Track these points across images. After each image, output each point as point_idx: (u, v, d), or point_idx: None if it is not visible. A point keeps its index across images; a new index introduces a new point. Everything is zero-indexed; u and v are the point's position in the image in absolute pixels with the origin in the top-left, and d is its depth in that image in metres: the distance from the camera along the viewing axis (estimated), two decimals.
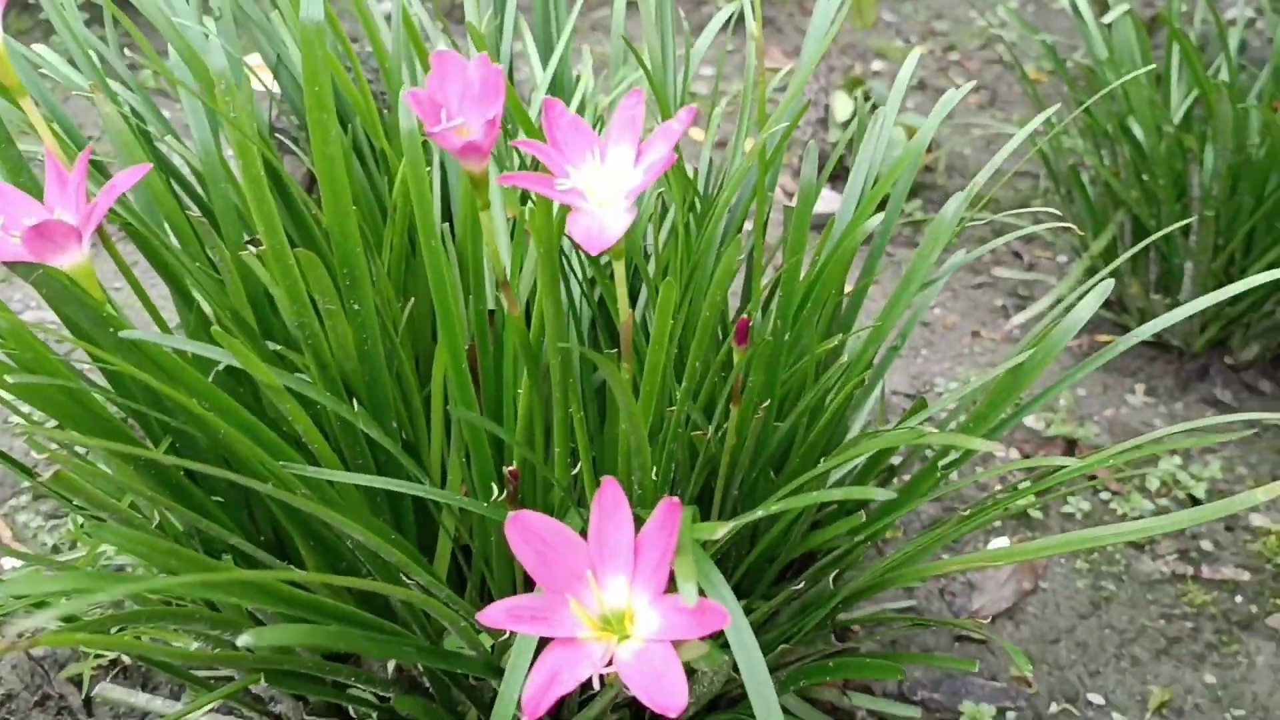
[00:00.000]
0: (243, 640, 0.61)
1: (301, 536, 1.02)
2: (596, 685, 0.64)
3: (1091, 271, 2.30)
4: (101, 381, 1.06)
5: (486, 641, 0.95)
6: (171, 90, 1.04)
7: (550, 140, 0.75)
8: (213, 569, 0.68)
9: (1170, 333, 2.21)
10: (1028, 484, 1.10)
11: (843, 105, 2.71)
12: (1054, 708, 1.48)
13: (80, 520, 1.57)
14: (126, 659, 1.37)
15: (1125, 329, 2.40)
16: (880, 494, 0.71)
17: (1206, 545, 1.75)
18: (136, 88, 1.14)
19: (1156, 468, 1.91)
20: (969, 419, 1.14)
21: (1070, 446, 1.94)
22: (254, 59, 1.38)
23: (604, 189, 0.74)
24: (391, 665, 1.04)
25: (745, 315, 0.91)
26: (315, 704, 1.15)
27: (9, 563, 1.54)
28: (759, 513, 0.80)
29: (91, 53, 1.12)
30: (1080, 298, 1.12)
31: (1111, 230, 2.17)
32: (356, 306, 0.94)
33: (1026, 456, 1.93)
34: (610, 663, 0.65)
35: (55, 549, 1.56)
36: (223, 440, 0.90)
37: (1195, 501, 1.84)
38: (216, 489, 1.04)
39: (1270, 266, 2.01)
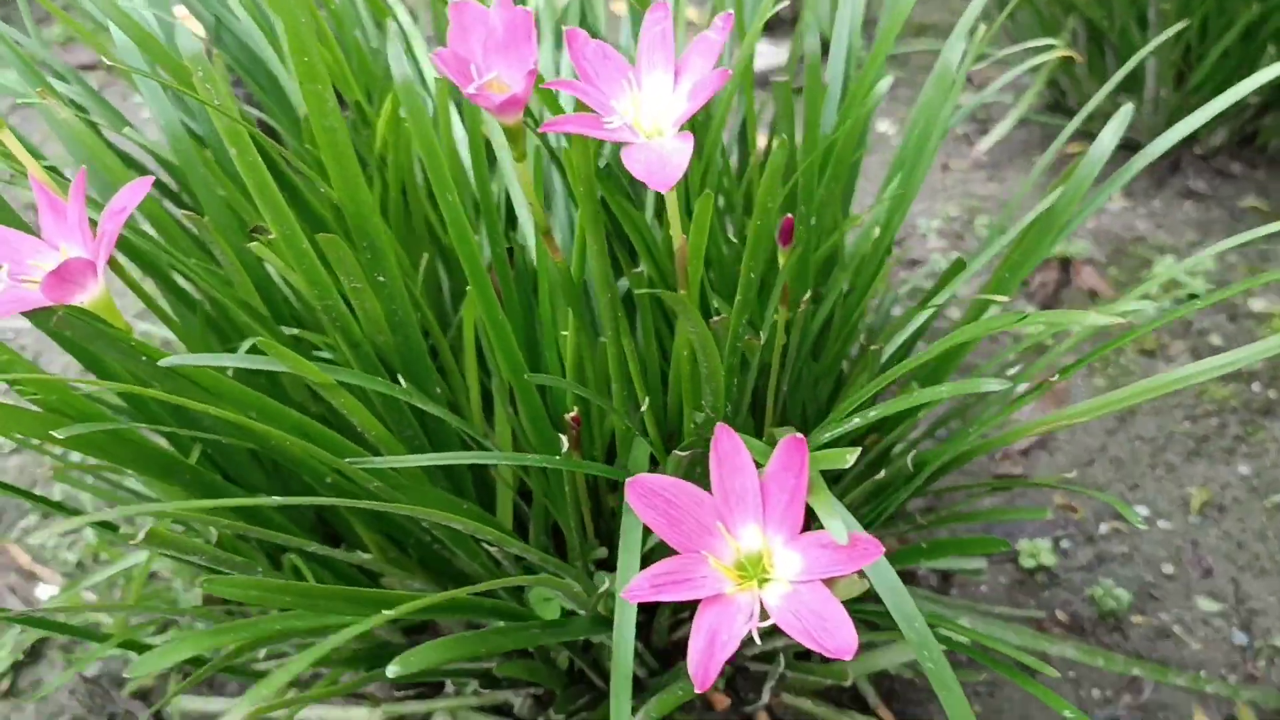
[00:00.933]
0: (392, 670, 0.58)
1: (360, 521, 0.99)
2: (758, 641, 0.62)
3: (1052, 83, 2.26)
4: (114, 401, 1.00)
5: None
6: (125, 81, 0.95)
7: (581, 75, 0.69)
8: (321, 595, 0.65)
9: (1135, 130, 2.20)
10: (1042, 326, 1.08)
11: None
12: (1103, 528, 1.50)
13: (95, 537, 1.52)
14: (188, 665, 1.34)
15: (1091, 136, 2.39)
16: (992, 384, 0.68)
17: (1215, 339, 1.76)
18: (75, 80, 1.05)
19: (1151, 272, 1.91)
20: (1004, 266, 1.12)
21: (1064, 265, 1.93)
22: (179, 9, 1.27)
23: (649, 120, 0.69)
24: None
25: (789, 215, 0.87)
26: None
27: (45, 590, 1.49)
28: (856, 420, 0.77)
29: (15, 49, 1.03)
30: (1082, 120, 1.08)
31: (1064, 38, 2.13)
32: (381, 278, 0.88)
33: (1025, 285, 1.92)
34: (763, 615, 0.63)
35: (80, 565, 1.51)
36: (274, 447, 0.86)
37: (1196, 298, 1.85)
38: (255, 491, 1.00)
39: (1225, 51, 1.99)
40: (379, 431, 0.86)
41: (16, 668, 1.37)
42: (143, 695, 1.34)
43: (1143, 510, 1.52)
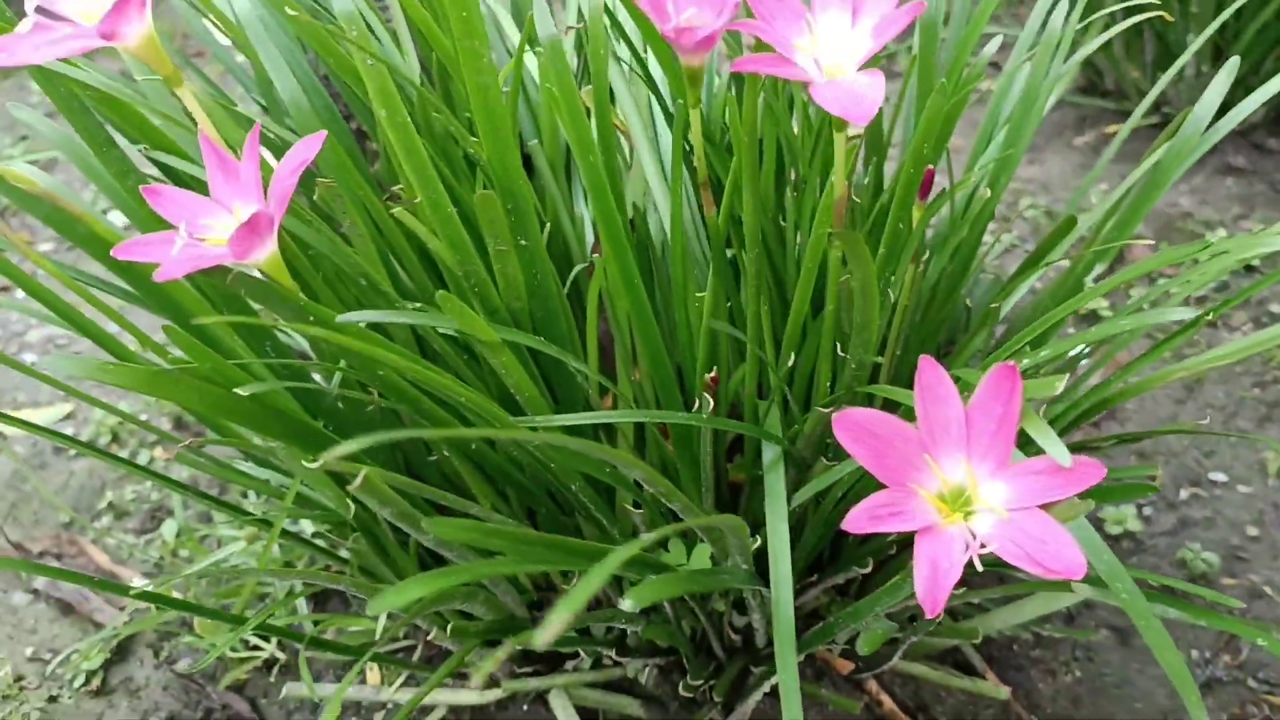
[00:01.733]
0: (626, 604, 0.57)
1: (491, 490, 0.99)
2: (979, 565, 0.62)
3: (1087, 64, 2.28)
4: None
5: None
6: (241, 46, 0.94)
7: (757, 14, 0.70)
8: (537, 542, 0.64)
9: (1172, 107, 2.21)
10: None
11: None
12: (1183, 494, 1.51)
13: (177, 528, 1.50)
14: (281, 655, 1.33)
15: (1126, 114, 2.40)
16: (1183, 313, 0.69)
17: (1275, 307, 1.78)
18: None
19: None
20: (1113, 229, 1.12)
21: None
22: None
23: (828, 59, 0.69)
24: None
25: (930, 166, 0.87)
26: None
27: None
28: (1046, 352, 0.77)
29: None
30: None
31: (1103, 19, 2.15)
32: (524, 242, 0.88)
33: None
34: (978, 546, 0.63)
35: (159, 565, 1.50)
36: (426, 410, 0.85)
37: (1251, 269, 1.86)
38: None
39: (1263, 27, 2.01)
40: (532, 394, 0.85)
41: (106, 666, 1.36)
42: (237, 688, 1.33)
43: (1221, 477, 1.53)
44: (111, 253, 0.70)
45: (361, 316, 0.73)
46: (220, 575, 1.37)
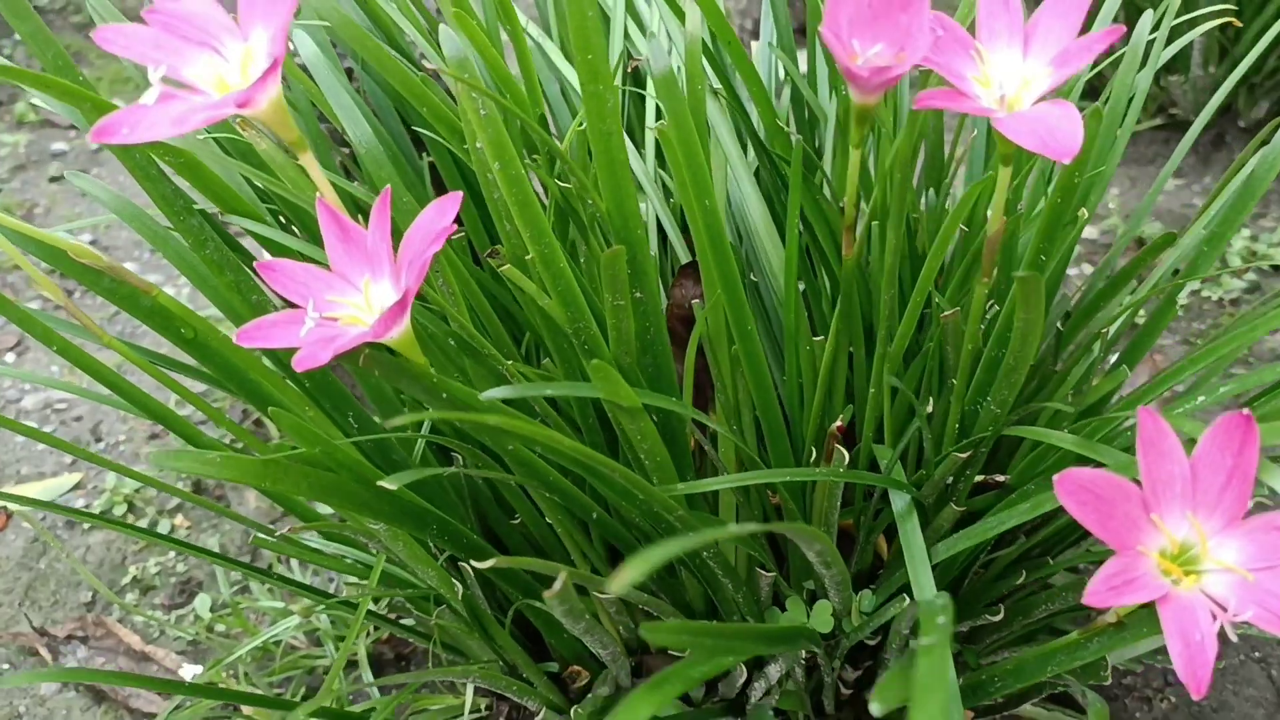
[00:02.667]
0: (875, 708, 0.52)
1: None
2: (1233, 638, 0.57)
3: (1092, 67, 2.26)
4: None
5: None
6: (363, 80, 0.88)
7: (933, 48, 0.64)
8: (734, 635, 0.58)
9: (1180, 109, 2.21)
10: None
11: None
12: None
13: (211, 602, 1.42)
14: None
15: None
16: None
17: None
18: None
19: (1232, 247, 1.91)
20: (1207, 241, 1.09)
21: (1140, 245, 1.92)
22: None
23: (999, 92, 0.64)
24: None
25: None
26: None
27: (163, 674, 1.38)
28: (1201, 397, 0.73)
29: None
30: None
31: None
32: (639, 294, 0.82)
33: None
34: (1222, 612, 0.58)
35: (194, 642, 1.41)
36: (555, 484, 0.79)
37: (1278, 269, 1.85)
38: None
39: (1266, 25, 2.00)
40: (664, 458, 0.79)
41: None
42: None
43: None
44: (236, 338, 0.62)
45: (507, 392, 0.67)
46: (271, 650, 1.30)
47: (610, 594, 0.83)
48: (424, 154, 1.12)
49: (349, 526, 0.84)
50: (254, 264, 0.67)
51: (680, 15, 0.92)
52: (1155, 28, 1.13)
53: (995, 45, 0.67)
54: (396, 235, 0.66)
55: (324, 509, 1.09)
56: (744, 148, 1.02)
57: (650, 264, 0.81)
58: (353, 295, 0.66)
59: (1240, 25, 1.95)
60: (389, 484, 0.63)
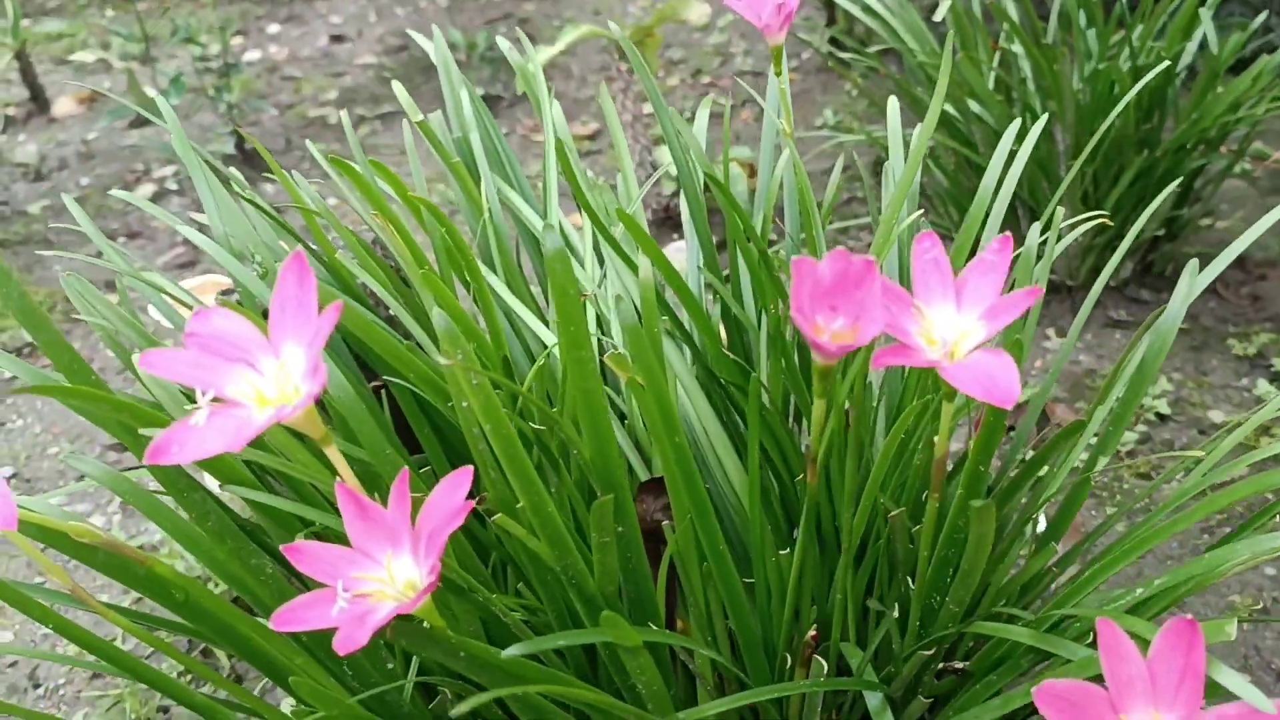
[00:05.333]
0: None
1: None
2: None
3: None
4: None
5: None
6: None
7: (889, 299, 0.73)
8: None
9: (1055, 272, 2.39)
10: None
11: (666, 156, 2.75)
12: None
13: None
14: None
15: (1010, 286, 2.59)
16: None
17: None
18: None
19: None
20: (1110, 422, 1.20)
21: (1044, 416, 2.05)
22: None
23: (951, 342, 0.74)
24: None
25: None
26: None
27: None
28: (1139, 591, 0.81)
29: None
30: None
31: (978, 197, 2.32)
32: (621, 529, 0.88)
33: (1012, 429, 2.03)
34: None
35: None
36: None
37: (1163, 418, 2.00)
38: None
39: (1122, 193, 2.21)
40: (659, 687, 0.85)
41: None
42: None
43: None
44: (271, 623, 0.67)
45: (524, 649, 0.72)
46: None
47: None
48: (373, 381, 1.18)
49: None
50: (280, 548, 0.71)
51: (633, 267, 1.01)
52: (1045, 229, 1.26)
53: (932, 301, 0.76)
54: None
55: None
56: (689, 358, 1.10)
57: (631, 504, 0.88)
58: (375, 570, 0.71)
59: (1112, 224, 2.15)
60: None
